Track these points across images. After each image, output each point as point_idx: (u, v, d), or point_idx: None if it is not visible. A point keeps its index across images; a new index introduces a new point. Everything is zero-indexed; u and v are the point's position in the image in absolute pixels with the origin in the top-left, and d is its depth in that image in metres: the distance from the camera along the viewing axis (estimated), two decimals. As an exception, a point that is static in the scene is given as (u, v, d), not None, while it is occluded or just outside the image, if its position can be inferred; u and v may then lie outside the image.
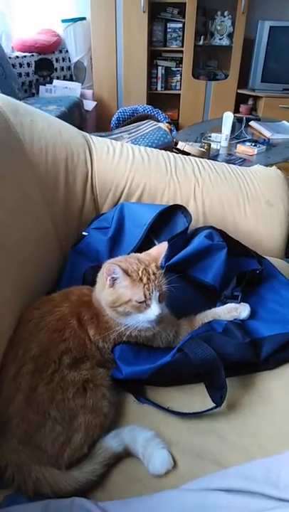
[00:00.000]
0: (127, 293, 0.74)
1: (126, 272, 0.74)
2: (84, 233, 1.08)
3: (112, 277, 0.75)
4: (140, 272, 0.75)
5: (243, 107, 3.58)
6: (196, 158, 1.30)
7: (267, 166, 1.40)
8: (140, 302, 0.74)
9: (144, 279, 0.74)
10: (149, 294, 0.74)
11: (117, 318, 0.77)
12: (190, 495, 0.62)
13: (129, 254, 0.87)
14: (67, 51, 3.56)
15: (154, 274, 0.76)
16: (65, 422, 0.68)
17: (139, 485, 0.66)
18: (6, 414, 0.68)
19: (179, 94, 3.68)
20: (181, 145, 2.12)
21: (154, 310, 0.74)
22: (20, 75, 3.22)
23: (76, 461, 0.67)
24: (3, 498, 0.63)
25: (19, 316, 0.81)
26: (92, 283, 0.84)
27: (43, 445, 0.66)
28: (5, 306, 0.78)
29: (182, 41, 3.48)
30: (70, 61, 3.59)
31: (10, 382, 0.71)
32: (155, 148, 1.31)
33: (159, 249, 0.81)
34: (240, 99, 3.65)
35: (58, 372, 0.71)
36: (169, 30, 3.50)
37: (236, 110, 3.60)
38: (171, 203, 1.07)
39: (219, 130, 2.47)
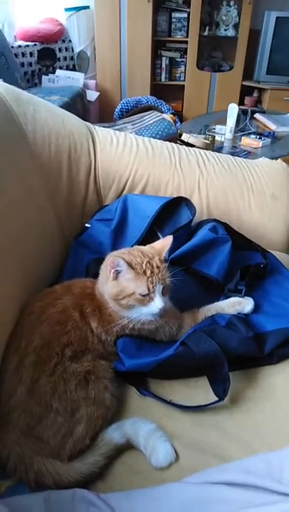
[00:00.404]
0: (130, 286, 0.73)
1: (130, 265, 0.73)
2: (87, 225, 1.07)
3: (116, 270, 0.74)
4: (144, 265, 0.74)
5: (247, 99, 3.54)
6: (201, 150, 1.28)
7: (272, 159, 1.38)
8: (144, 295, 0.73)
9: (148, 272, 0.74)
10: (153, 287, 0.73)
11: (120, 311, 0.76)
12: (191, 488, 0.63)
13: (132, 246, 0.86)
14: (70, 41, 3.51)
15: (157, 267, 0.75)
16: (67, 414, 0.68)
17: (141, 477, 0.66)
18: (8, 406, 0.68)
19: (183, 86, 3.63)
20: (185, 137, 2.11)
21: (158, 303, 0.74)
22: (22, 64, 3.18)
23: (78, 452, 0.67)
24: (5, 488, 0.63)
25: (21, 308, 0.81)
26: (95, 275, 0.84)
27: (45, 437, 0.66)
28: (7, 298, 0.78)
29: (187, 31, 3.43)
30: (73, 51, 3.55)
31: (12, 373, 0.70)
32: (159, 139, 1.29)
33: (164, 243, 0.81)
34: (245, 91, 3.60)
35: (60, 364, 0.71)
36: (173, 20, 3.45)
37: (241, 102, 3.56)
38: (175, 195, 1.06)
39: (224, 122, 2.44)
